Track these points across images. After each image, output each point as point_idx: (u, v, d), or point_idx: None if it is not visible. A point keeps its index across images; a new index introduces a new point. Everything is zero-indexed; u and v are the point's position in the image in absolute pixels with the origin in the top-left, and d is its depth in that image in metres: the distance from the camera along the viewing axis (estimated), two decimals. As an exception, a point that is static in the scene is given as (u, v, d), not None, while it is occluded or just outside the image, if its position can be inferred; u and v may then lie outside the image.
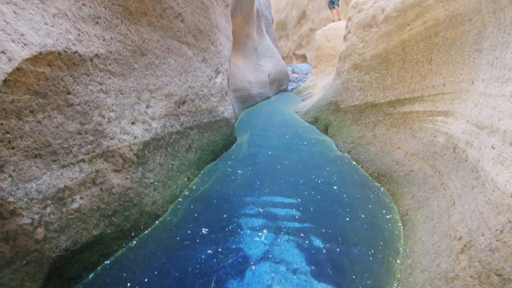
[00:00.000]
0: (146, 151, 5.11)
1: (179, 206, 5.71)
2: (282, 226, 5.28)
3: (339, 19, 23.53)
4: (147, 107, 5.30)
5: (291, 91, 25.51)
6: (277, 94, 23.35)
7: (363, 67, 9.84)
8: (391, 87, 8.36)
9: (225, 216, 5.49)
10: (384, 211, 5.93)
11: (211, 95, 7.96)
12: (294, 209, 5.82)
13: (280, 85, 24.65)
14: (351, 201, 6.29)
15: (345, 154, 9.12)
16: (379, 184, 7.16)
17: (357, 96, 9.89)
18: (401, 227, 5.40)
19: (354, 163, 8.53)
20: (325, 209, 5.92)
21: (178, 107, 6.44)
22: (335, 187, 6.90)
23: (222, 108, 8.61)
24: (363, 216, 5.72)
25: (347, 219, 5.62)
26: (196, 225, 5.15)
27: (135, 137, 4.86)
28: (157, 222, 5.16)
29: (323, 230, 5.21)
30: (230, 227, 5.15)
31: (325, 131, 11.46)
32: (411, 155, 6.67)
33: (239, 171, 7.52)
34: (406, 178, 6.38)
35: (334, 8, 23.35)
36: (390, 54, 8.52)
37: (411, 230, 5.04)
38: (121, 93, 4.69)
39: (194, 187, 6.53)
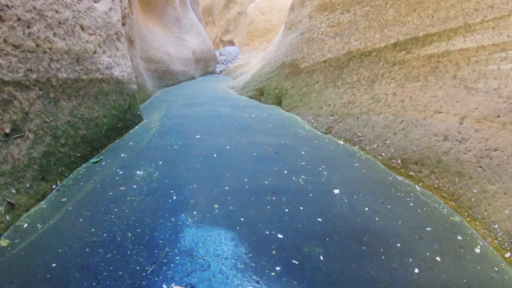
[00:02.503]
0: None
1: None
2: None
3: (274, -11, 20.30)
4: None
5: (219, 73, 21.83)
6: (203, 76, 19.52)
7: (337, 4, 6.45)
8: (396, 22, 5.10)
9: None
10: (462, 238, 2.77)
11: (81, 27, 4.05)
12: (275, 260, 2.30)
13: (207, 66, 20.85)
14: (386, 223, 2.93)
15: (323, 133, 5.69)
16: (406, 179, 3.96)
17: (331, 46, 6.47)
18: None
19: (341, 143, 5.13)
20: (348, 249, 2.53)
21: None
22: (336, 192, 3.46)
23: (109, 59, 4.71)
24: (438, 259, 2.45)
25: (417, 270, 2.31)
26: None
27: None
28: None
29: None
30: None
31: (277, 103, 7.93)
32: (477, 120, 3.48)
33: (138, 172, 3.73)
34: (488, 166, 3.15)
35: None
36: (389, -28, 5.26)
37: None
38: None
39: (25, 225, 2.67)
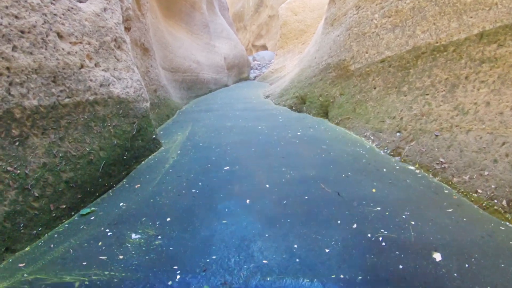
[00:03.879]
0: None
1: None
2: None
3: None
4: None
5: (254, 79, 20.73)
6: (237, 83, 18.48)
7: (392, -12, 5.21)
8: (478, 6, 3.88)
9: None
10: None
11: (59, 35, 3.00)
12: None
13: (240, 72, 19.83)
14: None
15: (389, 155, 4.43)
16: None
17: (389, 42, 5.20)
18: None
19: (416, 170, 3.84)
20: None
21: None
22: (437, 258, 2.26)
23: (104, 74, 3.63)
24: None
25: None
26: None
27: None
28: None
29: None
30: None
31: (323, 113, 6.69)
32: None
33: (133, 236, 2.58)
34: None
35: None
36: None
37: None
38: None
39: None
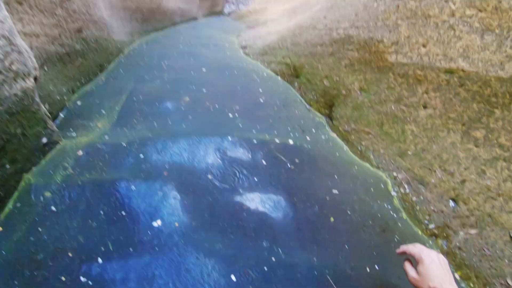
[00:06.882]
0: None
1: None
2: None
3: None
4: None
5: (228, 15, 18.04)
6: (208, 16, 15.80)
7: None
8: None
9: None
10: None
11: None
12: None
13: (213, 4, 17.01)
14: None
15: (430, 231, 2.69)
16: None
17: (468, 48, 3.20)
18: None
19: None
20: None
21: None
22: None
23: None
24: None
25: None
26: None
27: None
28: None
29: None
30: None
31: (324, 105, 4.59)
32: None
33: None
34: None
35: None
36: None
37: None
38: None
39: None
